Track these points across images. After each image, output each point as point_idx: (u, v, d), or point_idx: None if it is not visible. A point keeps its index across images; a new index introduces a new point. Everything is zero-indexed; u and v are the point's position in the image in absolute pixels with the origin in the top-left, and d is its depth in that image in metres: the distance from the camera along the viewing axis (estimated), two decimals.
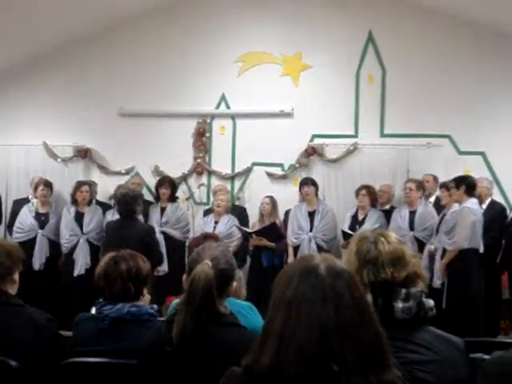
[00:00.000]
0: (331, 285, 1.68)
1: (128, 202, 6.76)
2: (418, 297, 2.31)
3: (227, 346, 2.44)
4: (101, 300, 3.24)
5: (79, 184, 8.36)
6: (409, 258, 2.40)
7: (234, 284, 2.78)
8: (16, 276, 3.38)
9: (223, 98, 9.28)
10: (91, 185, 8.57)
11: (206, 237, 5.01)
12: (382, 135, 8.85)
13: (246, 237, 8.00)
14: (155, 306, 3.34)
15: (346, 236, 7.48)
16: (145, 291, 3.34)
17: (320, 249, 7.54)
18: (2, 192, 9.30)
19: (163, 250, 8.10)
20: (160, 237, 8.18)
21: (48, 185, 8.44)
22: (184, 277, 2.72)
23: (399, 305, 2.29)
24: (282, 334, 1.65)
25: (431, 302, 2.36)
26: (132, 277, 3.22)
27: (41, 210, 8.34)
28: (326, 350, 1.60)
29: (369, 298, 2.13)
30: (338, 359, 1.60)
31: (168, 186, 8.52)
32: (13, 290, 3.36)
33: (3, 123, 9.74)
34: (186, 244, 8.27)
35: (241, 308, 3.46)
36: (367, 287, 2.29)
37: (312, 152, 8.93)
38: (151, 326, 3.05)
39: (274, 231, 7.94)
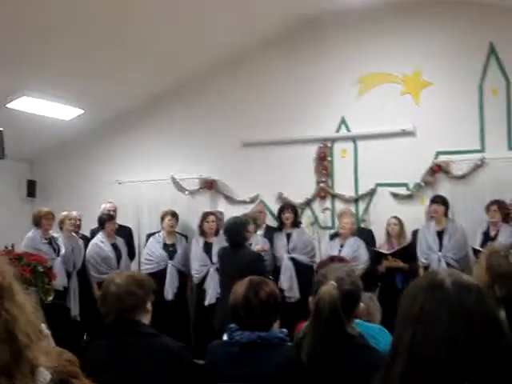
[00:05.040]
0: (458, 299, 1.62)
1: (235, 230, 6.89)
2: None
3: (357, 367, 2.41)
4: (232, 325, 3.28)
5: (206, 214, 8.57)
6: None
7: (362, 305, 2.75)
8: (149, 306, 3.46)
9: (343, 121, 9.25)
10: (217, 215, 8.75)
11: (333, 259, 5.02)
12: (511, 148, 8.52)
13: (375, 259, 7.89)
14: (284, 330, 3.35)
15: (478, 253, 7.23)
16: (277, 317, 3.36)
17: (450, 267, 7.33)
18: (135, 227, 9.64)
19: (293, 275, 8.16)
20: (289, 263, 8.26)
21: (174, 215, 8.70)
22: (310, 299, 2.71)
23: None
24: (410, 351, 1.62)
25: None
26: (270, 304, 3.25)
27: (168, 241, 8.60)
28: (456, 366, 1.55)
29: (502, 313, 2.04)
30: (470, 376, 1.54)
31: (290, 211, 8.57)
32: (146, 319, 3.43)
33: (134, 160, 10.15)
34: (314, 268, 8.26)
35: (371, 331, 3.41)
36: (500, 302, 2.20)
37: (437, 169, 8.71)
38: (281, 350, 3.06)
39: (410, 252, 7.81)
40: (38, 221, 8.05)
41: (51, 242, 8.11)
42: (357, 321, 3.32)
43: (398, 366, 1.63)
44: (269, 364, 2.84)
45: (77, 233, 8.60)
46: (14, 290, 1.33)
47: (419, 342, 1.61)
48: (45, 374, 1.80)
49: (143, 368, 3.12)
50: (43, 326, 2.73)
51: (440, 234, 7.76)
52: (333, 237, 8.57)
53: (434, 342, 1.59)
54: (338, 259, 6.04)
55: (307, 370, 2.49)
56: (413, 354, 1.61)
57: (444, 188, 8.64)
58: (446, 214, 7.93)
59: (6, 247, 7.24)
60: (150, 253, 8.56)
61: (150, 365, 3.14)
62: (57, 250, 8.06)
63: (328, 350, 2.47)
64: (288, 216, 8.54)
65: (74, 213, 8.66)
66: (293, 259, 8.29)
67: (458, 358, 1.56)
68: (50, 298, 6.91)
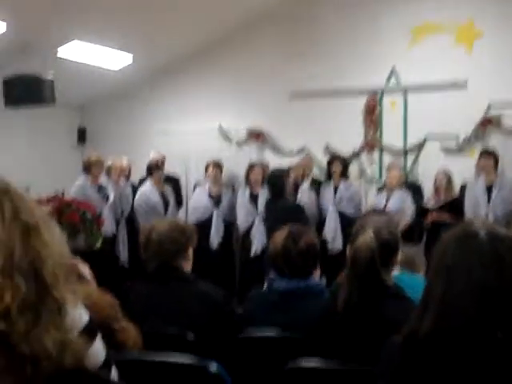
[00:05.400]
0: (491, 249, 1.62)
1: (275, 181, 6.95)
2: None
3: (391, 317, 2.41)
4: (271, 274, 3.31)
5: (252, 165, 8.57)
6: None
7: (400, 255, 2.74)
8: (190, 253, 3.50)
9: (393, 71, 9.10)
10: (263, 166, 8.75)
11: (374, 211, 5.00)
12: None
13: (420, 212, 7.83)
14: (324, 279, 3.37)
15: None
16: (317, 265, 3.38)
17: (498, 222, 7.22)
18: (182, 176, 9.71)
19: (338, 227, 8.16)
20: (334, 215, 8.25)
21: (218, 166, 8.75)
22: (348, 247, 2.72)
23: None
24: (442, 300, 1.62)
25: None
26: (309, 253, 3.26)
27: (213, 191, 8.63)
28: (488, 315, 1.55)
29: None
30: (502, 325, 1.53)
31: (339, 163, 8.52)
32: (187, 266, 3.49)
33: (182, 109, 10.18)
34: None
35: (414, 281, 3.41)
36: None
37: (488, 122, 8.53)
38: (319, 299, 3.08)
39: (457, 206, 7.72)
40: (88, 168, 8.11)
41: (100, 189, 8.20)
42: (399, 272, 3.33)
43: (429, 315, 1.63)
44: (306, 313, 2.87)
45: (127, 179, 8.65)
46: (42, 229, 1.35)
47: (451, 291, 1.61)
48: (82, 316, 1.84)
49: (183, 313, 3.17)
50: (85, 270, 2.79)
51: (489, 189, 7.63)
52: (381, 190, 8.52)
53: (466, 291, 1.59)
54: (380, 211, 6.01)
55: (343, 320, 2.51)
56: (444, 303, 1.61)
57: (495, 141, 8.47)
58: (495, 168, 7.77)
59: (57, 193, 7.36)
60: (196, 202, 8.64)
61: (189, 310, 3.19)
62: (106, 198, 8.16)
63: (364, 299, 2.48)
64: (336, 168, 8.48)
65: (125, 160, 8.71)
66: (338, 211, 8.28)
67: (490, 308, 1.56)
68: (99, 245, 7.03)
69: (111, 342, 2.57)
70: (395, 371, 1.70)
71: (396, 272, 3.13)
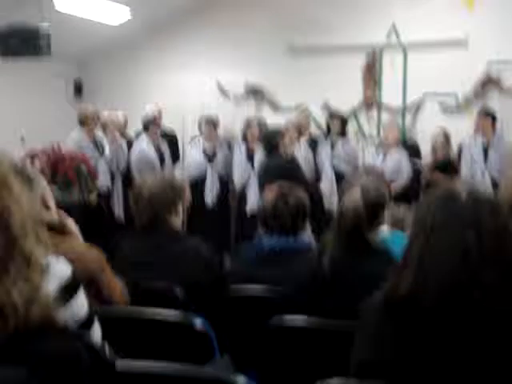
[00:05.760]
0: (472, 210, 1.62)
1: (268, 138, 6.99)
2: None
3: (375, 273, 2.41)
4: (261, 230, 3.31)
5: (248, 121, 8.51)
6: None
7: (386, 213, 2.74)
8: (179, 208, 3.51)
9: (393, 28, 8.98)
10: (261, 122, 8.68)
11: (365, 169, 5.01)
12: None
13: (417, 172, 7.82)
14: (311, 236, 3.37)
15: None
16: (306, 223, 3.38)
17: (494, 181, 7.24)
18: (179, 131, 9.64)
19: (334, 183, 8.15)
20: (330, 171, 8.23)
21: (210, 122, 8.64)
22: (335, 206, 2.72)
23: None
24: (421, 261, 1.62)
25: None
26: (299, 211, 3.26)
27: (207, 147, 8.57)
28: (465, 276, 1.55)
29: None
30: (479, 285, 1.54)
31: (338, 120, 8.47)
32: (176, 222, 3.49)
33: (179, 64, 10.08)
34: None
35: (403, 240, 3.41)
36: None
37: (488, 81, 8.46)
38: (306, 256, 3.08)
39: (448, 166, 7.69)
40: (84, 121, 8.06)
41: (96, 142, 8.16)
42: (388, 232, 3.33)
43: (407, 276, 1.64)
44: (293, 270, 2.87)
45: (122, 134, 8.57)
46: (10, 182, 1.34)
47: (430, 252, 1.62)
48: (62, 270, 1.81)
49: (170, 268, 3.18)
50: (71, 224, 2.78)
51: (486, 147, 7.61)
52: (378, 148, 8.48)
53: (445, 252, 1.59)
54: (370, 170, 6.04)
55: (328, 278, 2.52)
56: (423, 264, 1.62)
57: (494, 100, 8.42)
58: (493, 128, 7.73)
59: (52, 146, 7.31)
60: (190, 159, 8.60)
61: (176, 265, 3.20)
62: (101, 151, 8.12)
63: (349, 258, 2.48)
64: (335, 125, 8.45)
65: (120, 114, 8.64)
66: (335, 169, 8.26)
67: (467, 269, 1.56)
68: (94, 198, 7.00)
69: (97, 297, 2.59)
70: (373, 328, 1.71)
71: (385, 232, 3.13)
